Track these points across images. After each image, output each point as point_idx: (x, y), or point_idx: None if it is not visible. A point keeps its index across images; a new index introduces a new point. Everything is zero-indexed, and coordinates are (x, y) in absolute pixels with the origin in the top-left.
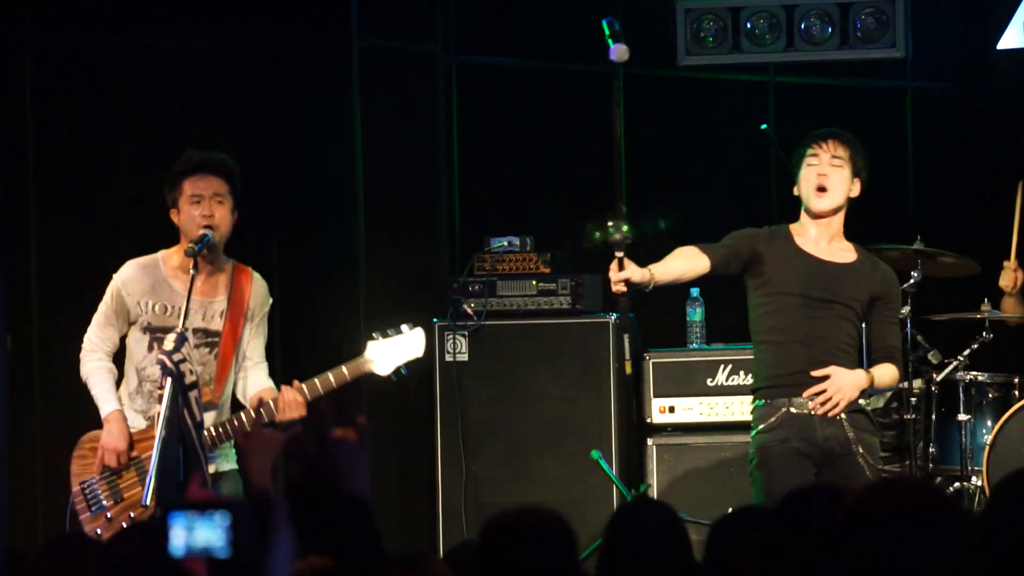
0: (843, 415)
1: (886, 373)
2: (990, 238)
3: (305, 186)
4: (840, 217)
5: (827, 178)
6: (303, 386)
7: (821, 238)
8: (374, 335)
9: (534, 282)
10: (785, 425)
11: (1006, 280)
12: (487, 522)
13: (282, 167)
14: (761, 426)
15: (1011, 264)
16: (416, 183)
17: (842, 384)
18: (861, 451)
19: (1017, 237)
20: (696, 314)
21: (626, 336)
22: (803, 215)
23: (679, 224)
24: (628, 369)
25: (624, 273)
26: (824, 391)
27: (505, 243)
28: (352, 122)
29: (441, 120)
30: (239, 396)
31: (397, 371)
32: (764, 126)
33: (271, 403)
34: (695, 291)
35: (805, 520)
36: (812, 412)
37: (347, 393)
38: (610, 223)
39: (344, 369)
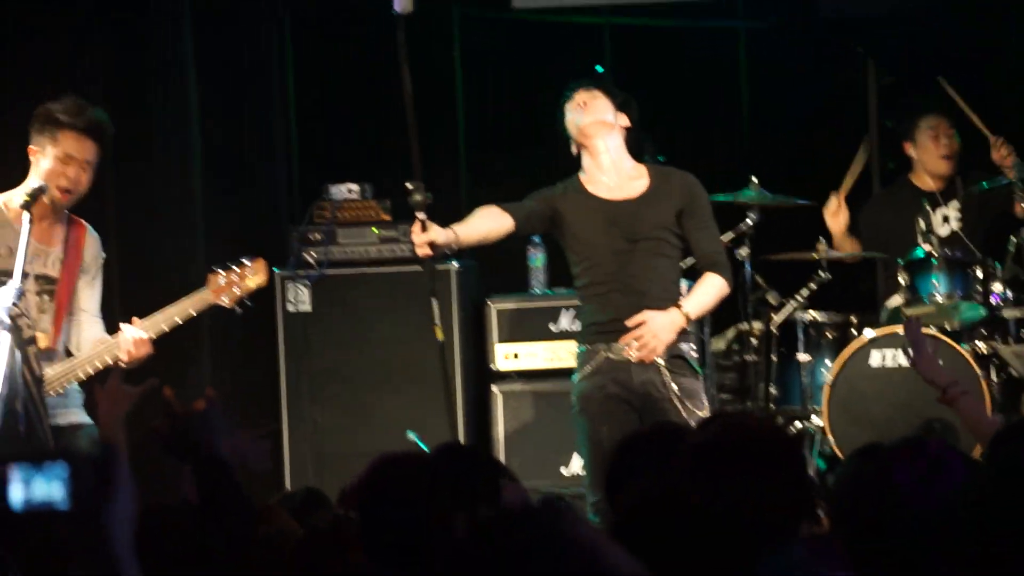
0: (660, 360)
1: (707, 292)
2: (825, 174)
3: (139, 126)
4: (619, 146)
5: (586, 106)
6: (143, 322)
7: (609, 176)
8: (214, 268)
9: (375, 229)
10: (603, 371)
11: (833, 223)
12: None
13: (116, 108)
14: (579, 374)
15: (837, 202)
16: (254, 128)
17: (656, 328)
18: (677, 394)
19: (851, 182)
20: (537, 260)
21: (435, 301)
22: (584, 160)
23: (518, 169)
24: (439, 335)
25: (426, 235)
26: (640, 336)
27: (345, 191)
28: (186, 61)
29: (276, 64)
30: (72, 349)
31: (240, 302)
32: (599, 68)
33: (116, 343)
34: (537, 237)
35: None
36: (629, 358)
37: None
38: (409, 185)
39: (185, 302)
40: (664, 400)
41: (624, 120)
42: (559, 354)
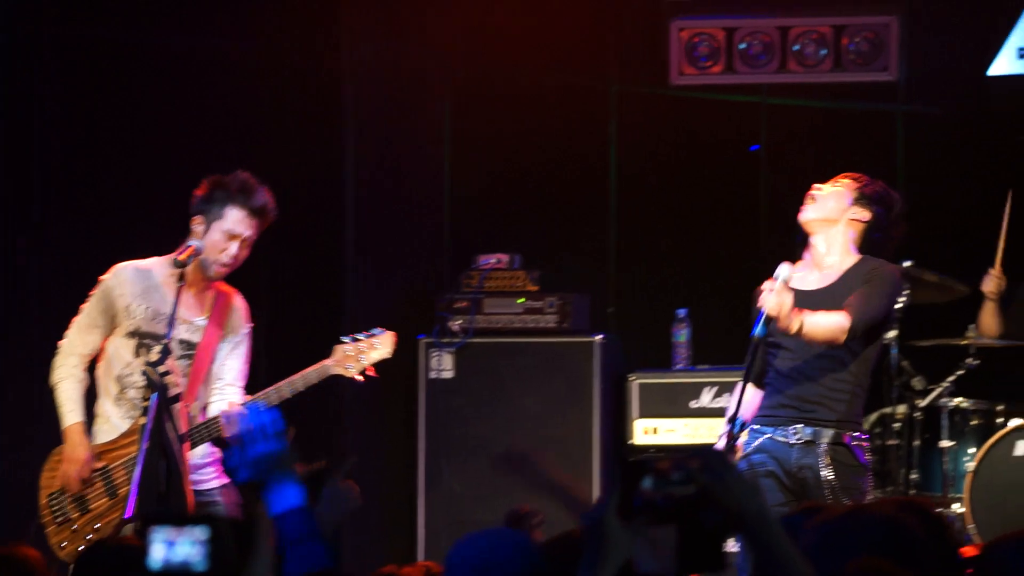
0: (824, 445)
1: (824, 317)
2: (978, 263)
3: (294, 201)
4: (841, 242)
5: (812, 195)
6: (251, 398)
7: (810, 269)
8: (342, 339)
9: (521, 300)
10: (764, 449)
11: (989, 285)
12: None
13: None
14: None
15: (995, 271)
16: (407, 200)
17: (783, 297)
18: (833, 485)
19: (1004, 244)
20: (682, 335)
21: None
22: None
23: (669, 243)
24: None
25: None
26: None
27: (493, 260)
28: (342, 139)
29: (433, 136)
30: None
31: (363, 372)
32: (755, 146)
33: (218, 417)
34: (682, 312)
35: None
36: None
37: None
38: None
39: (307, 371)
40: (819, 489)
41: (863, 214)
42: (699, 431)
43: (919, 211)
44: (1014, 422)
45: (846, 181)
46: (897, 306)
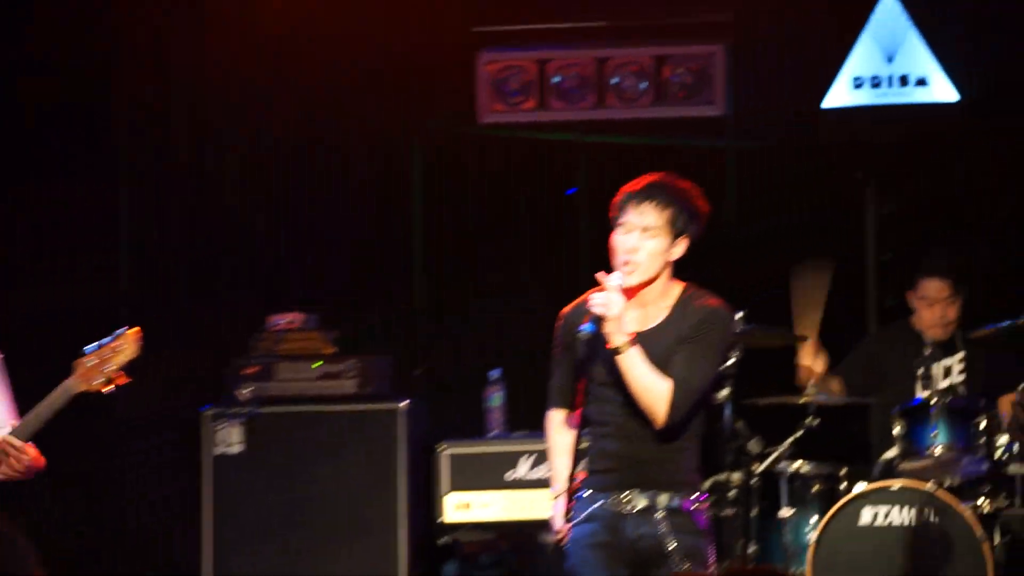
0: (660, 512)
1: (652, 373)
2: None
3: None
4: (653, 284)
5: (629, 260)
6: (8, 437)
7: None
8: (84, 350)
9: (317, 363)
10: (596, 518)
11: (814, 365)
12: None
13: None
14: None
15: (814, 344)
16: (196, 251)
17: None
18: (677, 552)
19: (818, 318)
20: (496, 399)
21: None
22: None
23: (481, 297)
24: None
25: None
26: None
27: (286, 321)
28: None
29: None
30: None
31: (110, 381)
32: (572, 189)
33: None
34: (495, 372)
35: None
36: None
37: None
38: None
39: (52, 396)
40: (659, 560)
41: (683, 244)
42: (517, 505)
43: (753, 251)
44: (859, 487)
45: (659, 219)
46: (730, 362)
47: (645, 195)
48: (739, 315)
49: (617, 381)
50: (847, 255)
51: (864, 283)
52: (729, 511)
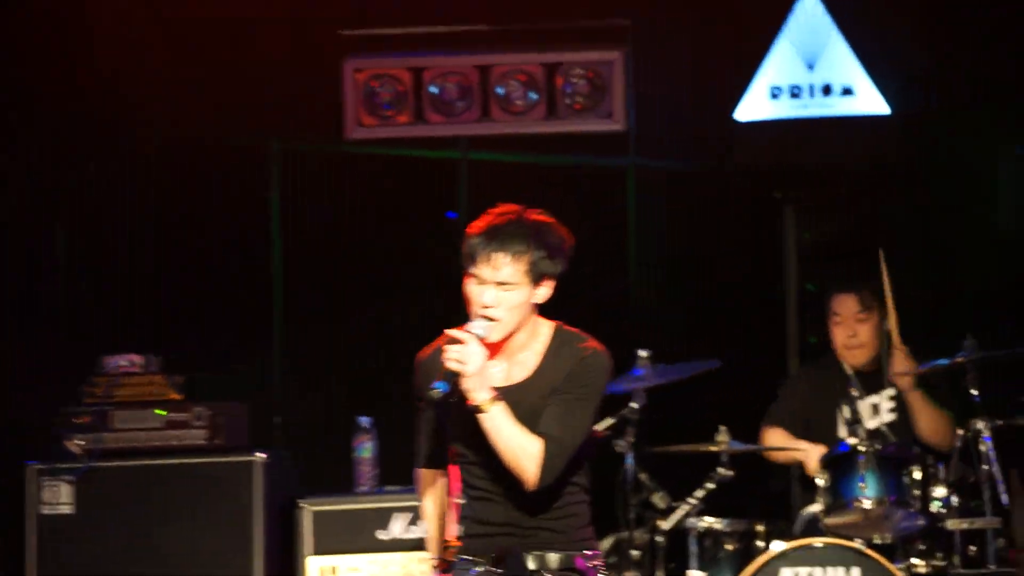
0: (552, 574)
1: (521, 434)
2: (739, 344)
3: None
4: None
5: (489, 315)
6: None
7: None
8: None
9: (161, 411)
10: None
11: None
12: None
13: None
14: None
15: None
16: (20, 284)
17: (475, 353)
18: None
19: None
20: (366, 450)
21: None
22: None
23: (348, 337)
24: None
25: None
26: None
27: (124, 363)
28: None
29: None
30: None
31: None
32: (453, 214)
33: None
34: (365, 420)
35: None
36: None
37: None
38: None
39: None
40: None
41: (549, 285)
42: (389, 569)
43: (659, 282)
44: (778, 545)
45: (516, 271)
46: (632, 407)
47: (497, 244)
48: (644, 354)
49: (482, 441)
50: (764, 286)
51: (784, 317)
52: (632, 573)
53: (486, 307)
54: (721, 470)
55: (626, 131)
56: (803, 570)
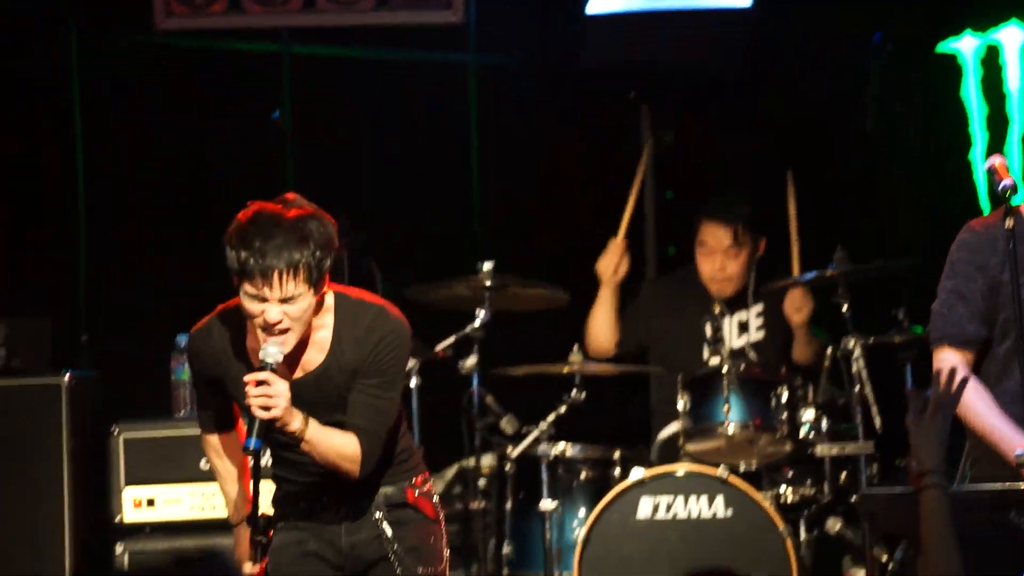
0: (379, 513)
1: (337, 439)
2: (584, 258)
3: None
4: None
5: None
6: None
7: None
8: None
9: None
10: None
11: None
12: None
13: None
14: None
15: (618, 247)
16: None
17: (280, 391)
18: (396, 552)
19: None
20: (184, 371)
21: None
22: None
23: (164, 248)
24: None
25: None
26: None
27: None
28: None
29: None
30: None
31: None
32: (275, 114)
33: None
34: (183, 339)
35: None
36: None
37: None
38: None
39: None
40: (381, 562)
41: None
42: (210, 501)
43: (505, 191)
44: (636, 473)
45: (296, 285)
46: (477, 323)
47: (271, 260)
48: (488, 265)
49: (298, 448)
50: (618, 192)
51: (642, 227)
52: (478, 503)
53: (272, 324)
54: (574, 392)
55: (465, 24)
56: (663, 499)
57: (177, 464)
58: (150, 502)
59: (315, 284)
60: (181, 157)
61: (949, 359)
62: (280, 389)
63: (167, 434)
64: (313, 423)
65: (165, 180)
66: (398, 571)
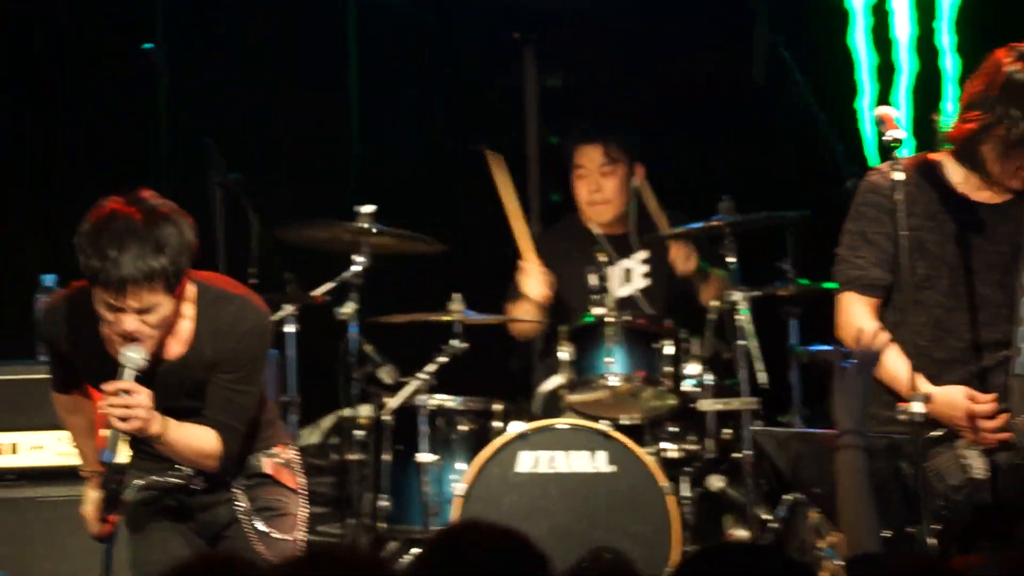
0: (236, 480)
1: (196, 436)
2: (463, 202)
3: None
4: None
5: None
6: None
7: None
8: None
9: None
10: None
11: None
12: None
13: None
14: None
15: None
16: None
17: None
18: (249, 516)
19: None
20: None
21: None
22: None
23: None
24: None
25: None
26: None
27: None
28: None
29: None
30: None
31: None
32: (149, 45)
33: None
34: (50, 278)
35: None
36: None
37: None
38: None
39: None
40: (233, 522)
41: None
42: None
43: (386, 136)
44: (517, 426)
45: (152, 295)
46: (355, 269)
47: (126, 271)
48: (368, 209)
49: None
50: (503, 138)
51: (525, 173)
52: (355, 456)
53: (132, 333)
54: (454, 342)
55: None
56: (544, 454)
57: (42, 408)
58: (14, 448)
59: (173, 288)
60: (49, 89)
61: (856, 310)
62: (141, 400)
63: (31, 377)
64: (172, 425)
65: (30, 113)
66: (248, 530)
